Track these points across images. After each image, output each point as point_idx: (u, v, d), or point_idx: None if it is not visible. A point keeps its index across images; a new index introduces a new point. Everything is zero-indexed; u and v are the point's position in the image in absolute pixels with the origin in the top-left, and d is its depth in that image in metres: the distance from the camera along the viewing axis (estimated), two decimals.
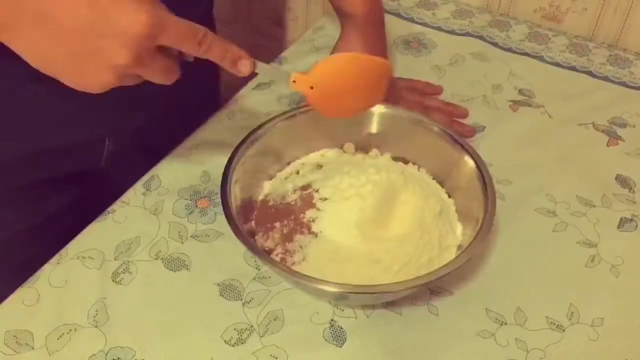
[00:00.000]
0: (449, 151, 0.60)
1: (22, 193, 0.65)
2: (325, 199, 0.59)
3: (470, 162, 0.58)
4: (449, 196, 0.61)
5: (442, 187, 0.62)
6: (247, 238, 0.52)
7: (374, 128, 0.64)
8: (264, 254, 0.53)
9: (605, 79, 0.80)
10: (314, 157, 0.65)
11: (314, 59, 0.81)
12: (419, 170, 0.63)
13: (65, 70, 0.43)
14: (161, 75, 0.45)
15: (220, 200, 0.61)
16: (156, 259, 0.58)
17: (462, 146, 0.59)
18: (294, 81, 0.50)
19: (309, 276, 0.49)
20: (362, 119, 0.63)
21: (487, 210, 0.53)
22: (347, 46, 0.69)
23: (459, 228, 0.58)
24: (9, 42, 0.42)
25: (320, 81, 0.50)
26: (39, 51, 0.42)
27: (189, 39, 0.44)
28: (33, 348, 0.51)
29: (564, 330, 0.53)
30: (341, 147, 0.65)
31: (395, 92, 0.71)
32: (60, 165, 0.66)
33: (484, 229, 0.52)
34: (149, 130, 0.69)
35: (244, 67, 0.49)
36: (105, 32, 0.41)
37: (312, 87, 0.50)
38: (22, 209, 0.67)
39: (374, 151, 0.65)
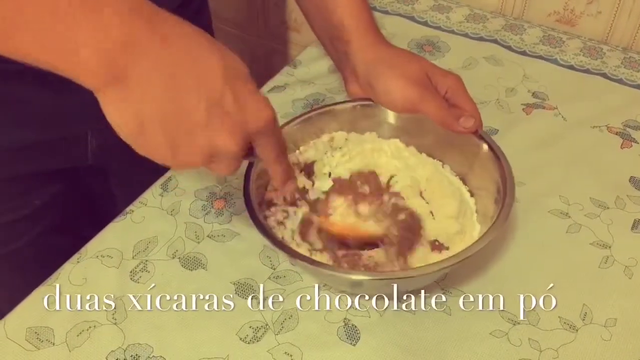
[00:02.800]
0: (471, 146, 0.58)
1: (5, 185, 0.67)
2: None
3: (491, 159, 0.56)
4: (471, 195, 0.60)
5: (465, 184, 0.61)
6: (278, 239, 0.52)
7: (394, 121, 0.63)
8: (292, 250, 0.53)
9: (620, 81, 0.80)
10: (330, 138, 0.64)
11: (328, 63, 0.82)
12: (442, 167, 0.62)
13: (157, 138, 0.40)
14: (230, 166, 0.44)
15: (235, 202, 0.63)
16: (173, 258, 0.59)
17: (485, 140, 0.58)
18: None
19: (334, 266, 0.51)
20: (380, 114, 0.63)
21: (502, 207, 0.52)
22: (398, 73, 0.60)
23: (476, 229, 0.57)
24: (122, 79, 0.39)
25: None
26: (145, 118, 0.40)
27: (283, 151, 0.48)
28: (54, 344, 0.53)
29: (577, 330, 0.54)
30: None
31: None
32: (44, 160, 0.67)
33: (497, 222, 0.51)
34: None
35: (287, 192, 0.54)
36: (228, 108, 0.41)
37: None
38: (7, 202, 0.68)
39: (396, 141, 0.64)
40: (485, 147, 0.58)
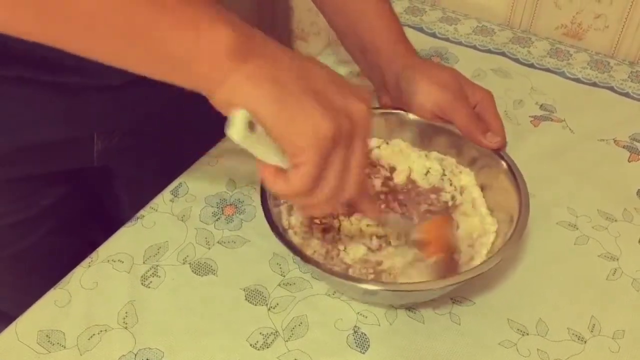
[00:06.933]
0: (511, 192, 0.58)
1: (12, 186, 0.67)
2: None
3: (516, 199, 0.57)
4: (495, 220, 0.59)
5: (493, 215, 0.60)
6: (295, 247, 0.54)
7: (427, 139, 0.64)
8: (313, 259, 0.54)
9: (627, 95, 0.80)
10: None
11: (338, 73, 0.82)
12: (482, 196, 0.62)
13: (299, 101, 0.42)
14: (358, 172, 0.45)
15: (245, 209, 0.63)
16: (184, 263, 0.59)
17: (505, 161, 0.60)
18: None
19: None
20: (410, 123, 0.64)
21: (514, 229, 0.54)
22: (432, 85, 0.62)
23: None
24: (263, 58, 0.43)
25: (437, 235, 0.57)
26: (282, 77, 0.43)
27: (367, 155, 0.48)
28: (65, 347, 0.53)
29: (585, 342, 0.54)
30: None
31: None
32: (50, 162, 0.67)
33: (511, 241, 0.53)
34: (142, 131, 0.70)
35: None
36: (346, 89, 0.45)
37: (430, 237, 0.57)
38: (14, 202, 0.68)
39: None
40: (504, 166, 0.60)
